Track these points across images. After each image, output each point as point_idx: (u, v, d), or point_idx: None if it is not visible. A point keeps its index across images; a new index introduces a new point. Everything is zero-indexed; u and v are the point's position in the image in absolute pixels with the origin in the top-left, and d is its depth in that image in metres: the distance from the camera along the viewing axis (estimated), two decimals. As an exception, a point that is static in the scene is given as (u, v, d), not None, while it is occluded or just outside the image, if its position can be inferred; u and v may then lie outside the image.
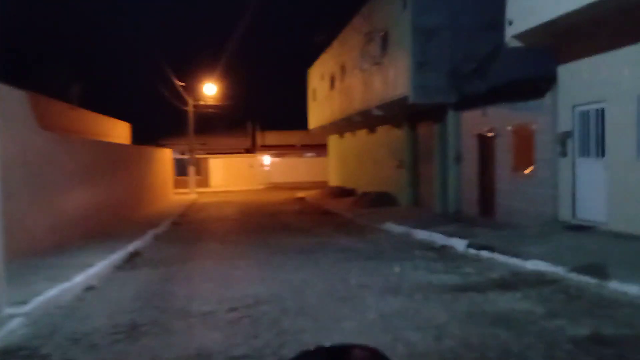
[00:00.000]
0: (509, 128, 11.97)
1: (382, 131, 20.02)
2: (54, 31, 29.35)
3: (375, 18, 17.48)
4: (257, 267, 8.74)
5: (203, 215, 19.57)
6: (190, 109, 30.55)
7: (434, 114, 15.32)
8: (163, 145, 32.27)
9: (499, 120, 12.44)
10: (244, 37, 37.69)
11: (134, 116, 34.08)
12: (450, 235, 10.89)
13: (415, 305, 6.04)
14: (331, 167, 30.29)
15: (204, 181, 37.22)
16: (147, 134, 35.81)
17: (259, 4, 25.98)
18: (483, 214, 13.24)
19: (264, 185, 38.33)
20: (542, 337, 4.88)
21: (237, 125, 43.52)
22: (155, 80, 28.84)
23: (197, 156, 36.94)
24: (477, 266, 8.23)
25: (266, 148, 41.12)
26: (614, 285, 6.45)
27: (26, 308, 6.03)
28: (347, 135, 25.60)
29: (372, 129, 21.31)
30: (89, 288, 7.50)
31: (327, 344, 0.90)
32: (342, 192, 24.72)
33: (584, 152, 10.10)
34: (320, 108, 27.02)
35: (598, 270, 6.81)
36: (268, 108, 42.14)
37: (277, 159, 39.67)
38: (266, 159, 39.38)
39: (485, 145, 13.22)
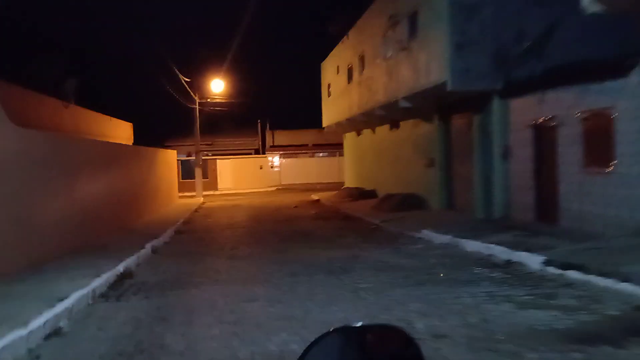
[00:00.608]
0: (578, 116, 9.88)
1: (408, 126, 17.97)
2: (49, 22, 27.53)
3: (401, -2, 15.47)
4: (278, 299, 6.70)
5: (210, 221, 17.62)
6: (196, 106, 28.64)
7: (474, 103, 13.26)
8: (168, 147, 30.37)
9: (562, 107, 10.36)
10: (253, 30, 35.76)
11: (137, 116, 32.28)
12: (512, 247, 8.83)
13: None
14: (347, 167, 28.27)
15: (211, 184, 35.31)
16: (151, 135, 34.00)
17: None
18: (541, 219, 11.15)
19: (275, 187, 36.36)
20: None
21: (245, 124, 41.60)
22: (159, 77, 26.96)
23: (204, 157, 35.07)
24: (573, 294, 6.17)
25: (276, 148, 39.18)
26: None
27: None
28: (366, 132, 23.56)
29: (395, 125, 19.26)
30: (53, 333, 5.53)
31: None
32: (360, 194, 22.69)
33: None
34: (336, 104, 25.00)
35: None
36: (278, 106, 40.19)
37: (288, 160, 37.71)
38: (276, 160, 37.43)
39: (543, 137, 11.14)
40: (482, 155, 13.11)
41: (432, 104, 15.17)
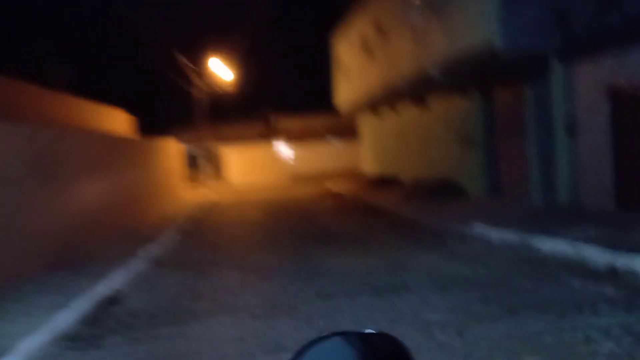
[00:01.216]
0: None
1: (439, 103, 15.79)
2: (39, 3, 25.42)
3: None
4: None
5: (218, 218, 15.64)
6: (200, 89, 26.58)
7: (525, 69, 11.08)
8: (173, 136, 28.35)
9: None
10: (255, 6, 33.52)
11: (138, 105, 30.35)
12: (609, 246, 6.75)
13: None
14: (365, 153, 26.14)
15: (218, 173, 33.36)
16: (154, 125, 32.05)
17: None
18: (624, 206, 9.03)
19: (287, 177, 34.35)
20: None
21: (252, 110, 39.54)
22: (160, 62, 24.91)
23: (211, 147, 33.10)
24: None
25: (287, 134, 37.08)
26: None
27: None
28: (387, 113, 21.38)
29: (422, 102, 17.08)
30: None
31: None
32: (382, 182, 20.60)
33: None
34: (350, 82, 22.81)
35: None
36: (286, 89, 38.06)
37: (299, 147, 35.61)
38: (287, 148, 35.35)
39: (625, 107, 8.97)
40: (538, 130, 10.95)
41: (470, 75, 12.99)
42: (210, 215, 16.45)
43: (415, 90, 15.76)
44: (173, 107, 36.84)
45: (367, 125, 24.83)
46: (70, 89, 20.09)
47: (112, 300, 6.68)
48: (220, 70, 27.59)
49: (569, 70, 10.11)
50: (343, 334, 0.87)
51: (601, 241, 7.11)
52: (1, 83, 13.69)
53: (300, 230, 12.07)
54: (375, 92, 18.63)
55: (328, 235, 10.99)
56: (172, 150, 23.02)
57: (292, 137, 36.07)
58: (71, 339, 5.30)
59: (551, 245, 7.60)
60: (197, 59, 26.98)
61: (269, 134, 39.39)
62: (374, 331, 0.90)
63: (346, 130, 36.49)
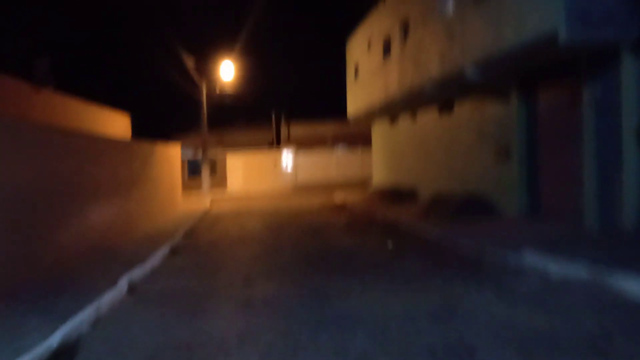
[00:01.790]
0: None
1: (468, 108, 14.08)
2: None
3: None
4: None
5: (217, 233, 13.91)
6: (202, 92, 24.96)
7: (586, 65, 9.36)
8: (173, 141, 26.72)
9: None
10: (265, 8, 31.99)
11: (139, 108, 28.78)
12: None
13: None
14: (377, 163, 24.41)
15: (220, 182, 31.69)
16: (154, 128, 30.50)
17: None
18: None
19: (291, 186, 32.64)
20: None
21: (258, 116, 37.96)
22: (162, 60, 23.30)
23: (212, 153, 31.46)
24: None
25: (293, 142, 35.43)
26: None
27: None
28: (404, 119, 19.68)
29: (448, 107, 15.38)
30: None
31: None
32: (397, 195, 18.87)
33: None
34: (365, 87, 21.15)
35: None
36: (294, 96, 36.50)
37: (305, 155, 33.92)
38: (293, 156, 33.66)
39: None
40: (598, 139, 9.20)
41: (512, 73, 11.29)
42: (209, 229, 14.72)
43: (444, 93, 14.04)
44: (177, 111, 35.30)
45: (381, 132, 23.13)
46: (65, 89, 18.51)
47: (65, 355, 4.95)
48: (228, 74, 25.96)
49: (642, 66, 8.39)
50: None
51: None
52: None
53: (310, 251, 10.31)
54: (394, 97, 16.94)
55: (344, 259, 9.23)
56: (173, 156, 21.35)
57: (299, 145, 34.44)
58: None
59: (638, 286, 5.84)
60: (204, 62, 25.39)
61: (275, 141, 37.79)
62: None
63: (356, 139, 34.87)
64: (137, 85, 30.97)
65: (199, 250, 11.30)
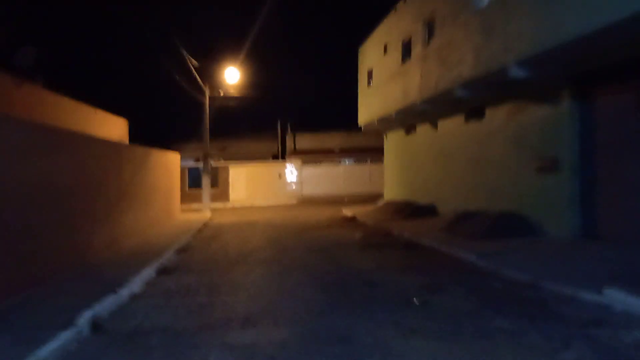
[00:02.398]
0: None
1: (502, 113, 12.42)
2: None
3: None
4: None
5: (215, 249, 12.20)
6: (206, 99, 23.38)
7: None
8: (174, 150, 25.13)
9: None
10: (272, 15, 30.53)
11: (139, 115, 27.23)
12: None
13: None
14: (389, 176, 22.72)
15: (222, 194, 30.02)
16: (152, 136, 28.91)
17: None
18: None
19: (296, 199, 30.94)
20: None
21: (263, 127, 36.38)
22: (164, 65, 21.77)
23: (214, 164, 29.84)
24: None
25: (298, 154, 33.81)
26: None
27: None
28: (422, 128, 18.04)
29: (477, 113, 13.73)
30: None
31: None
32: (412, 210, 17.17)
33: None
34: (380, 94, 19.55)
35: None
36: (301, 106, 34.94)
37: (311, 167, 32.26)
38: (298, 167, 32.01)
39: None
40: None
41: (566, 72, 9.64)
42: (206, 245, 13.01)
43: (476, 97, 12.38)
44: (179, 120, 33.77)
45: (395, 143, 21.46)
46: (57, 87, 16.94)
47: None
48: (233, 82, 24.37)
49: None
50: None
51: None
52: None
53: (323, 275, 8.59)
54: (414, 103, 15.31)
55: (366, 289, 7.51)
56: (171, 164, 19.73)
57: (305, 156, 32.82)
58: None
59: None
60: (208, 67, 23.82)
61: (280, 152, 36.19)
62: None
63: (365, 151, 33.23)
64: (137, 90, 29.44)
65: (192, 270, 9.58)
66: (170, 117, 32.82)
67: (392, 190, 21.94)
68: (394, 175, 21.78)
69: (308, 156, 33.09)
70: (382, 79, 19.31)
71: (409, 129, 19.46)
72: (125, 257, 10.48)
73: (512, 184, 11.91)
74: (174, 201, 20.21)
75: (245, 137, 35.70)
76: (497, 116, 12.65)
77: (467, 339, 5.14)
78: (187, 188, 28.95)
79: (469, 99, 12.85)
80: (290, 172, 31.85)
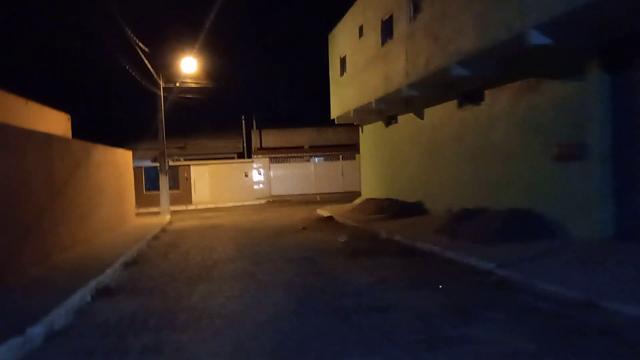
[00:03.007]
0: None
1: (507, 94, 10.74)
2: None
3: None
4: None
5: (172, 261, 10.10)
6: (160, 91, 21.07)
7: None
8: (130, 150, 22.60)
9: None
10: (235, 2, 28.32)
11: (83, 109, 24.64)
12: None
13: None
14: (367, 171, 20.96)
15: (184, 196, 27.69)
16: (103, 134, 26.35)
17: None
18: None
19: (265, 200, 28.88)
20: None
21: (227, 123, 34.12)
22: (112, 55, 19.31)
23: (174, 163, 27.53)
24: None
25: (265, 151, 31.75)
26: None
27: None
28: (405, 118, 16.32)
29: (473, 96, 12.05)
30: None
31: None
32: (399, 209, 15.43)
33: None
34: (356, 82, 17.76)
35: None
36: (266, 101, 32.83)
37: (279, 165, 30.25)
38: (266, 166, 29.93)
39: None
40: None
41: (591, 39, 7.99)
42: (163, 255, 10.89)
43: (480, 74, 10.65)
44: (134, 116, 31.16)
45: (373, 137, 19.69)
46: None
47: None
48: (190, 72, 22.04)
49: None
50: None
51: None
52: None
53: (312, 296, 6.68)
54: (398, 88, 13.55)
55: (374, 315, 5.63)
56: (122, 164, 17.41)
57: (273, 154, 30.77)
58: None
59: None
60: (164, 59, 21.46)
61: (246, 150, 34.03)
62: None
63: (336, 147, 31.44)
64: (85, 84, 26.79)
65: (140, 291, 7.51)
66: (125, 114, 30.25)
67: (371, 187, 20.18)
68: (372, 172, 20.02)
69: (276, 154, 31.11)
70: (358, 66, 17.50)
71: (390, 120, 17.72)
72: (57, 275, 8.32)
73: (521, 176, 10.25)
74: (127, 204, 17.90)
75: (207, 135, 33.40)
76: (500, 98, 10.98)
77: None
78: (144, 190, 26.52)
79: (467, 80, 11.14)
80: (257, 171, 29.76)
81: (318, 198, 28.64)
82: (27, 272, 8.40)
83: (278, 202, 28.31)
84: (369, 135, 20.25)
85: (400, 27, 13.58)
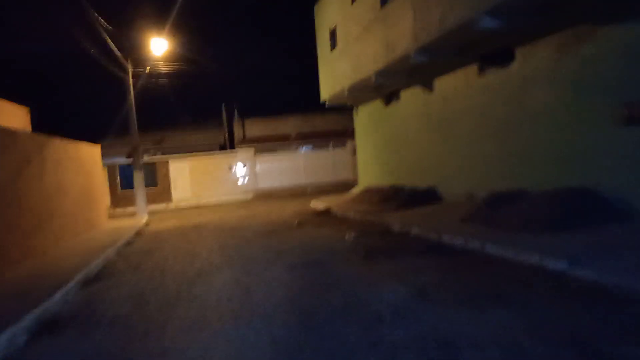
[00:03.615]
0: None
1: (543, 52, 8.82)
2: None
3: None
4: None
5: (145, 274, 8.04)
6: (129, 77, 18.80)
7: None
8: (94, 144, 20.18)
9: None
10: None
11: (44, 101, 22.26)
12: None
13: None
14: (364, 157, 19.01)
15: (163, 194, 25.46)
16: (71, 129, 24.04)
17: None
18: None
19: (252, 194, 26.79)
20: None
21: (206, 113, 31.88)
22: (83, 48, 17.06)
23: (150, 158, 25.30)
24: None
25: (249, 142, 29.60)
26: None
27: None
28: (409, 93, 14.36)
29: (499, 59, 10.12)
30: None
31: None
32: (407, 197, 13.50)
33: None
34: (350, 56, 15.74)
35: None
36: (248, 87, 30.63)
37: (266, 157, 28.14)
38: (251, 158, 27.81)
39: None
40: None
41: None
42: (135, 267, 8.81)
43: (512, 28, 8.70)
44: (105, 111, 28.81)
45: (370, 118, 17.71)
46: None
47: None
48: (161, 54, 19.80)
49: None
50: None
51: None
52: None
53: (326, 322, 4.71)
54: (404, 55, 11.58)
55: (422, 356, 3.68)
56: (89, 160, 15.22)
57: (258, 145, 28.62)
58: None
59: None
60: (132, 41, 19.16)
61: (229, 141, 31.83)
62: None
63: (326, 135, 29.44)
64: (47, 75, 24.41)
65: (98, 323, 5.46)
66: (97, 108, 27.87)
67: (370, 174, 18.24)
68: (371, 157, 18.06)
69: (261, 144, 28.98)
70: (352, 36, 15.48)
71: (390, 96, 15.76)
72: (16, 290, 6.23)
73: (572, 148, 8.38)
74: (97, 206, 15.71)
75: (185, 127, 31.15)
76: (537, 56, 9.06)
77: None
78: (119, 189, 24.25)
79: (496, 35, 9.20)
80: (242, 163, 27.62)
81: (309, 190, 26.66)
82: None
83: (266, 196, 26.27)
84: (366, 117, 18.27)
85: (405, -17, 11.57)
